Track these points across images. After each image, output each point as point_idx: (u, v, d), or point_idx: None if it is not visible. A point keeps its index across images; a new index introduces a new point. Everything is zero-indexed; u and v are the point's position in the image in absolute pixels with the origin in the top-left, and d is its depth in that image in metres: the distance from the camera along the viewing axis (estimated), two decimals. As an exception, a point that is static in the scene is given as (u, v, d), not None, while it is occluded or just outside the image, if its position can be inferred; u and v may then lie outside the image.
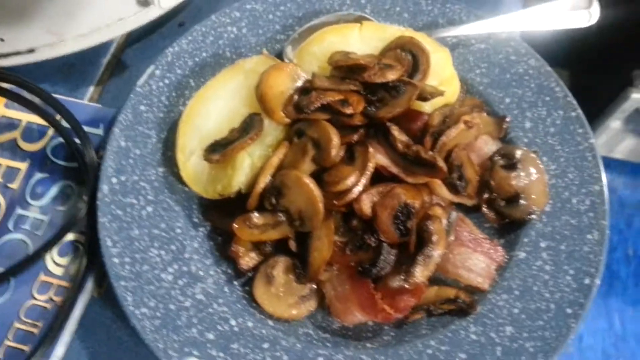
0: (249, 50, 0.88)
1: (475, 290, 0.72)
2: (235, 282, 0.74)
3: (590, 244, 0.73)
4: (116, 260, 0.71)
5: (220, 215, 0.77)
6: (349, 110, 0.71)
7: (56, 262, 0.76)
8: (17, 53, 0.87)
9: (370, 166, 0.70)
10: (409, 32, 0.82)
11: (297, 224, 0.71)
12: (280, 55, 0.88)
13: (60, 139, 0.84)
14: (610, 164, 2.08)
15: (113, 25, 0.89)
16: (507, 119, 0.81)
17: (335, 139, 0.70)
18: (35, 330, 0.72)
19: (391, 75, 0.74)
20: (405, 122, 0.75)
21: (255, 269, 0.73)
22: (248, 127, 0.75)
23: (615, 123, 1.88)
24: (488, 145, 0.78)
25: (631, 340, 0.76)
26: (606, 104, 1.84)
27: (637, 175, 2.06)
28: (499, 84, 0.84)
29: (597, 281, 0.70)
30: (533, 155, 0.77)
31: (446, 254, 0.71)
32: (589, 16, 0.86)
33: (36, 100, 0.85)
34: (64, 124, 0.84)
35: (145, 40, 0.97)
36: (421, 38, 0.81)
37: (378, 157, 0.72)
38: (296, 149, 0.73)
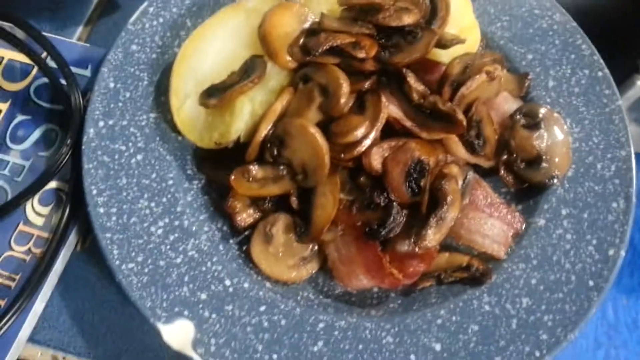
0: (252, -9, 0.81)
1: (490, 258, 0.66)
2: (230, 240, 0.68)
3: (615, 213, 0.68)
4: (101, 210, 0.66)
5: (216, 167, 0.71)
6: (360, 54, 0.65)
7: (37, 212, 0.70)
8: (0, -15, 0.80)
9: (382, 117, 0.64)
10: (428, -23, 0.75)
11: (299, 178, 0.65)
12: (286, -1, 0.81)
13: (45, 79, 0.77)
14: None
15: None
16: (529, 77, 0.75)
17: (345, 85, 0.64)
18: (12, 284, 0.66)
19: (408, 19, 0.67)
20: (422, 73, 0.69)
21: (253, 226, 0.68)
22: (249, 70, 0.68)
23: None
24: (509, 103, 0.72)
25: (623, 330, 0.72)
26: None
27: (637, 165, 2.01)
28: (521, 38, 0.78)
29: (622, 252, 0.65)
30: (557, 115, 0.71)
31: (460, 217, 0.65)
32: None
33: (21, 35, 0.78)
34: (50, 63, 0.77)
35: (140, -22, 0.89)
36: (441, -16, 0.74)
37: (391, 108, 0.65)
38: (301, 96, 0.67)
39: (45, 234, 0.69)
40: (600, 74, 0.75)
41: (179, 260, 0.65)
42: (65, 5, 0.86)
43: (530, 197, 0.71)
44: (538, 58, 0.77)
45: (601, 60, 0.75)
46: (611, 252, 0.66)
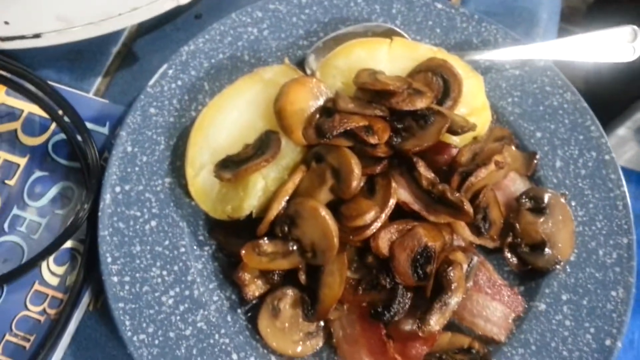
0: (269, 55, 0.82)
1: (490, 341, 0.68)
2: (238, 310, 0.70)
3: (614, 302, 0.69)
4: (115, 279, 0.68)
5: (227, 234, 0.73)
6: (373, 140, 0.66)
7: (52, 271, 0.72)
8: (22, 37, 0.81)
9: (392, 202, 0.66)
10: (441, 54, 0.76)
11: (308, 255, 0.67)
12: (301, 63, 0.83)
13: (63, 135, 0.79)
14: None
15: (125, 15, 0.83)
16: (537, 156, 0.76)
17: (357, 170, 0.66)
18: (26, 345, 0.69)
19: (420, 103, 0.69)
20: (431, 153, 0.70)
21: (261, 297, 0.70)
22: (264, 146, 0.70)
23: (623, 131, 1.85)
24: (515, 184, 0.74)
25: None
26: (618, 111, 1.81)
27: (640, 185, 2.02)
28: (531, 115, 0.79)
29: (619, 344, 0.67)
30: (562, 200, 0.73)
31: (463, 300, 0.67)
32: (633, 51, 0.80)
33: (38, 92, 0.79)
34: (67, 118, 0.79)
35: (158, 30, 0.91)
36: (454, 61, 0.76)
37: (400, 192, 0.67)
38: (313, 176, 0.69)
39: (59, 295, 0.71)
40: (607, 157, 0.76)
41: (188, 332, 0.67)
42: (84, 57, 0.88)
43: (532, 278, 0.72)
44: (547, 137, 0.78)
45: (609, 144, 0.77)
46: (608, 342, 0.68)
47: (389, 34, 0.82)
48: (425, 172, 0.66)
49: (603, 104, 0.83)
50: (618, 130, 1.83)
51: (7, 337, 0.69)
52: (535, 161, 0.76)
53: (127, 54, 0.89)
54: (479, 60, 0.81)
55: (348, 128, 0.67)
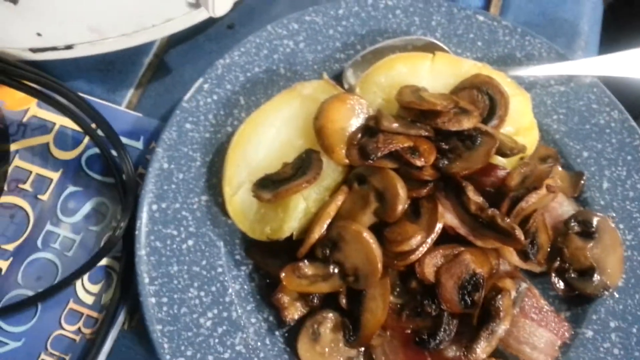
0: (305, 68, 0.80)
1: (535, 368, 0.66)
2: (277, 332, 0.69)
3: (665, 330, 0.67)
4: (153, 300, 0.66)
5: (265, 254, 0.71)
6: (419, 162, 0.64)
7: (87, 290, 0.71)
8: (54, 48, 0.80)
9: (439, 227, 0.64)
10: (486, 70, 0.74)
11: (350, 279, 0.65)
12: (338, 77, 0.81)
13: (96, 149, 0.78)
14: None
15: (159, 26, 0.81)
16: (584, 177, 0.74)
17: (402, 193, 0.64)
18: (61, 365, 0.68)
19: (467, 123, 0.67)
20: (477, 175, 0.68)
21: (300, 320, 0.68)
22: (304, 166, 0.68)
23: None
24: (563, 206, 0.72)
25: None
26: None
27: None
28: (577, 134, 0.77)
29: (672, 376, 0.65)
30: (611, 223, 0.70)
31: (509, 326, 0.65)
32: (684, 67, 0.78)
33: (71, 105, 0.78)
34: (101, 132, 0.78)
35: (190, 41, 0.89)
36: (499, 78, 0.73)
37: (446, 217, 0.65)
38: (356, 198, 0.67)
39: (95, 314, 0.70)
40: (656, 178, 0.74)
41: (227, 356, 0.66)
42: (116, 68, 0.86)
43: (578, 304, 0.70)
44: (594, 157, 0.76)
45: (658, 165, 0.74)
46: (659, 372, 0.65)
47: (429, 47, 0.79)
48: (474, 197, 0.64)
49: (629, 102, 0.80)
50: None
51: (43, 356, 0.68)
52: (582, 182, 0.73)
53: (159, 65, 0.88)
54: (523, 75, 0.79)
55: (393, 149, 0.65)
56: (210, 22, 0.89)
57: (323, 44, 0.82)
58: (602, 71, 0.78)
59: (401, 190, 0.64)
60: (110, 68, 0.87)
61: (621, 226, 0.72)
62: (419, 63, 0.75)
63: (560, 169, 0.75)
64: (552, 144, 0.77)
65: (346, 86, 0.79)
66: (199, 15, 0.83)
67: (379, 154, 0.65)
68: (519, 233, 0.62)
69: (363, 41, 0.82)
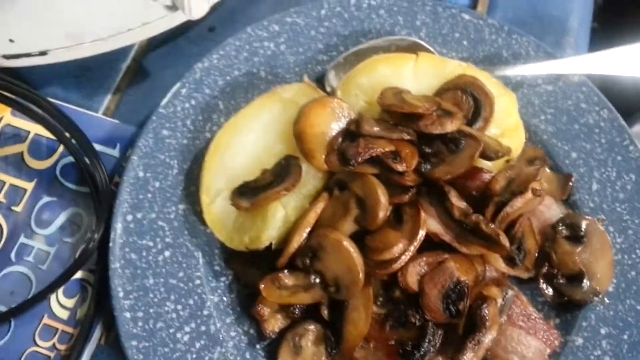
0: (287, 71, 0.78)
1: (524, 377, 0.64)
2: (257, 345, 0.67)
3: (657, 336, 0.65)
4: (128, 315, 0.64)
5: (245, 264, 0.69)
6: (401, 167, 0.62)
7: (61, 304, 0.69)
8: (28, 55, 0.78)
9: (422, 234, 0.62)
10: (470, 70, 0.72)
11: (331, 290, 0.63)
12: (320, 80, 0.78)
13: (72, 158, 0.75)
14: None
15: (136, 30, 0.79)
16: (573, 179, 0.72)
17: (383, 200, 0.62)
18: (35, 383, 0.65)
19: (450, 126, 0.65)
20: (461, 179, 0.66)
21: (281, 332, 0.66)
22: (283, 173, 0.66)
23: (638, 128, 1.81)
24: (550, 210, 0.69)
25: None
26: (635, 108, 1.76)
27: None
28: (565, 134, 0.75)
29: (664, 384, 0.63)
30: (600, 227, 0.68)
31: (497, 335, 0.63)
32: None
33: (44, 113, 0.76)
34: (75, 141, 0.75)
35: (170, 44, 0.87)
36: (484, 78, 0.71)
37: (430, 223, 0.63)
38: (336, 205, 0.65)
39: (70, 329, 0.68)
40: (647, 180, 0.71)
41: (205, 371, 0.63)
42: (93, 73, 0.84)
43: (567, 310, 0.68)
44: (582, 157, 0.74)
45: (649, 165, 0.72)
46: (652, 380, 0.63)
47: (413, 47, 0.77)
48: (457, 202, 0.62)
49: (619, 100, 0.78)
50: (634, 127, 1.79)
51: (16, 375, 0.66)
52: (570, 184, 0.71)
53: (137, 70, 0.86)
54: (509, 75, 0.76)
55: (374, 155, 0.63)
56: (190, 25, 0.87)
57: (305, 45, 0.79)
58: (591, 69, 0.76)
59: (382, 197, 0.62)
60: (86, 74, 0.84)
61: (611, 229, 0.70)
62: (402, 64, 0.72)
63: (548, 170, 0.73)
64: (540, 145, 0.75)
65: (328, 89, 0.77)
66: (177, 18, 0.80)
67: (360, 159, 0.63)
68: (504, 239, 0.60)
69: (346, 42, 0.80)
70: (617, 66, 0.76)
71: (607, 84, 0.78)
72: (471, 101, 0.69)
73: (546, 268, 0.67)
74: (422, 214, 0.62)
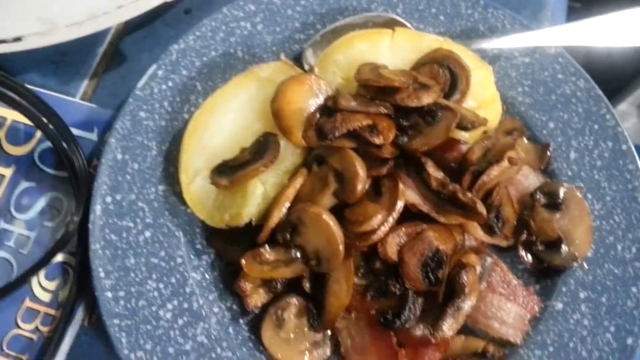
0: (264, 50, 0.78)
1: (505, 343, 0.65)
2: (240, 320, 0.67)
3: (634, 298, 0.66)
4: (109, 294, 0.64)
5: (226, 242, 0.69)
6: (378, 140, 0.63)
7: (43, 287, 0.69)
8: (2, 41, 0.77)
9: (400, 205, 0.62)
10: (447, 44, 0.72)
11: (312, 263, 0.63)
12: (298, 58, 0.78)
13: (49, 143, 0.75)
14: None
15: (111, 13, 0.78)
16: (551, 148, 0.72)
17: (361, 173, 0.62)
18: (18, 365, 0.65)
19: (427, 99, 0.65)
20: (439, 150, 0.66)
21: (264, 307, 0.66)
22: (262, 150, 0.66)
23: (624, 106, 1.82)
24: (529, 179, 0.70)
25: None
26: (619, 86, 1.77)
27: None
28: (542, 105, 0.75)
29: (642, 343, 0.64)
30: (578, 193, 0.69)
31: (477, 301, 0.63)
32: (648, 32, 0.76)
33: (20, 99, 0.75)
34: (52, 126, 0.75)
35: (146, 28, 0.87)
36: (461, 52, 0.72)
37: (408, 194, 0.63)
38: (315, 180, 0.65)
39: (52, 311, 0.68)
40: (624, 147, 0.72)
41: (188, 347, 0.64)
42: (70, 59, 0.83)
43: (547, 276, 0.69)
44: (560, 127, 0.74)
45: (625, 133, 0.73)
46: (629, 340, 0.64)
47: (390, 24, 0.77)
48: (434, 173, 0.63)
49: (604, 79, 0.79)
50: (619, 105, 1.80)
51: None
52: (548, 153, 0.72)
53: (114, 54, 0.85)
54: (486, 48, 0.77)
55: (351, 128, 0.63)
56: (166, 8, 0.86)
57: (281, 24, 0.79)
58: (568, 41, 0.76)
59: (360, 170, 0.62)
60: (63, 59, 0.84)
61: (589, 196, 0.71)
62: (379, 40, 0.73)
63: (526, 141, 0.73)
64: (517, 116, 0.75)
65: (306, 67, 0.77)
66: (153, 1, 0.80)
67: (337, 134, 0.63)
68: (481, 207, 0.61)
69: (323, 20, 0.80)
70: (593, 37, 0.76)
71: (591, 65, 0.78)
72: (448, 74, 0.70)
73: (525, 236, 0.68)
74: (400, 186, 0.63)
